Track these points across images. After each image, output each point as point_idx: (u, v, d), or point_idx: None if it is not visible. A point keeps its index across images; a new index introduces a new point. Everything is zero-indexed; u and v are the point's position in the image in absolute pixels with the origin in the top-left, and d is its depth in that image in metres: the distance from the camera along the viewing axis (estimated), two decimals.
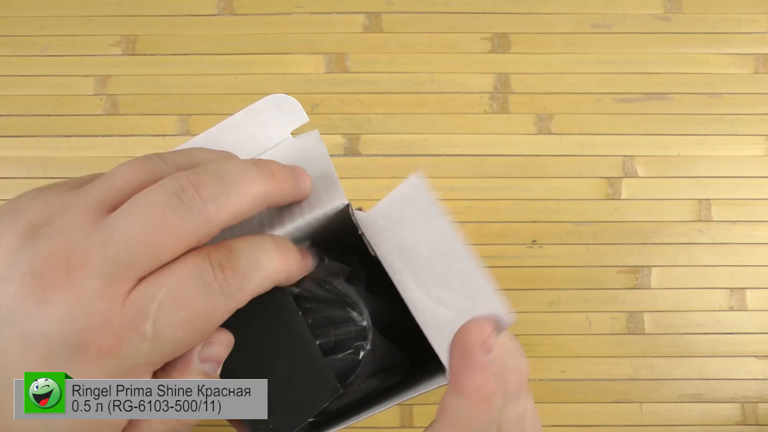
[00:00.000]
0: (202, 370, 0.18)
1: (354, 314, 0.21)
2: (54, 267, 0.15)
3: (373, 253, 0.21)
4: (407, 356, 0.24)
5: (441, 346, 0.21)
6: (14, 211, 0.17)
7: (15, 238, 0.16)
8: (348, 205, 0.20)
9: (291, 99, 0.23)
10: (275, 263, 0.18)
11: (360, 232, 0.21)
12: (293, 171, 0.20)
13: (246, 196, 0.18)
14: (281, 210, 0.21)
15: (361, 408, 0.22)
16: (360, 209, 0.22)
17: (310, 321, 0.20)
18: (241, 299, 0.17)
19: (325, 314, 0.21)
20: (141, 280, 0.16)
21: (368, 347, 0.22)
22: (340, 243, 0.22)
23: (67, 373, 0.16)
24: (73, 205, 0.17)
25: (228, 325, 0.18)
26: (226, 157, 0.20)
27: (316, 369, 0.19)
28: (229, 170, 0.18)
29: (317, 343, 0.20)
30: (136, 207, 0.16)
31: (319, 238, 0.21)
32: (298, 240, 0.21)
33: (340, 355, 0.21)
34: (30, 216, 0.16)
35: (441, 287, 0.21)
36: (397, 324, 0.22)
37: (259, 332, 0.19)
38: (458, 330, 0.21)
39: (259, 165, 0.19)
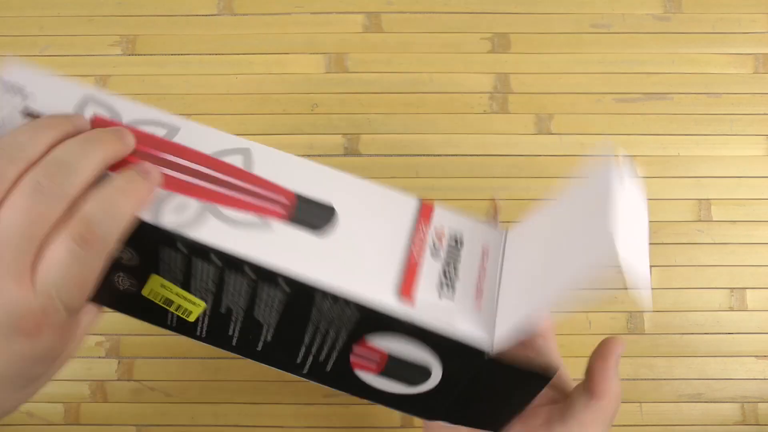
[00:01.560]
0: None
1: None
2: None
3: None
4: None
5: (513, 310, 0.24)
6: None
7: None
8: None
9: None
10: (131, 206, 0.23)
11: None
12: (117, 133, 0.24)
13: (88, 169, 0.22)
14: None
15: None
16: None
17: None
18: (109, 254, 0.22)
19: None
20: (34, 264, 0.21)
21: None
22: None
23: (13, 351, 0.22)
24: None
25: None
26: (56, 134, 0.24)
27: None
28: (68, 153, 0.22)
29: None
30: (9, 210, 0.21)
31: None
32: None
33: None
34: None
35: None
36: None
37: None
38: (604, 341, 0.29)
39: (89, 138, 0.23)
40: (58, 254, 0.21)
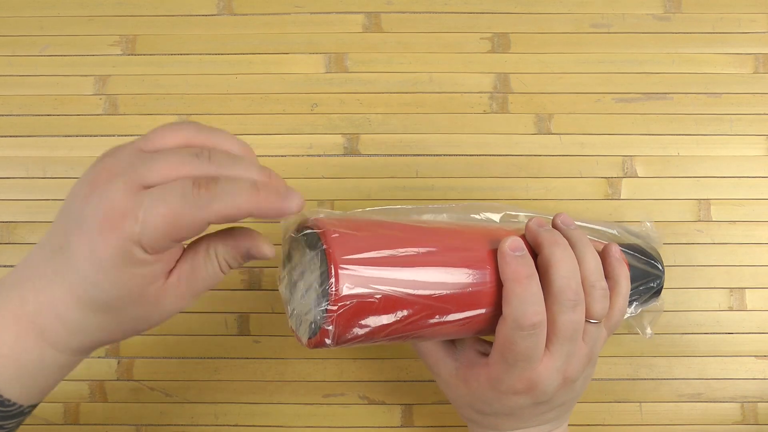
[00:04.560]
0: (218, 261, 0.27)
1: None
2: (101, 176, 0.25)
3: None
4: None
5: None
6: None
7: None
8: None
9: None
10: (242, 200, 0.24)
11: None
12: (287, 193, 0.25)
13: (231, 208, 0.24)
14: None
15: None
16: None
17: None
18: (209, 213, 0.24)
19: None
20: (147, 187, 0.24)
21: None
22: None
23: (92, 241, 0.24)
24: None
25: None
26: (242, 160, 0.26)
27: None
28: (230, 184, 0.24)
29: None
30: (166, 180, 0.24)
31: None
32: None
33: None
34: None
35: None
36: None
37: None
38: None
39: (256, 184, 0.25)
40: (172, 183, 0.24)
